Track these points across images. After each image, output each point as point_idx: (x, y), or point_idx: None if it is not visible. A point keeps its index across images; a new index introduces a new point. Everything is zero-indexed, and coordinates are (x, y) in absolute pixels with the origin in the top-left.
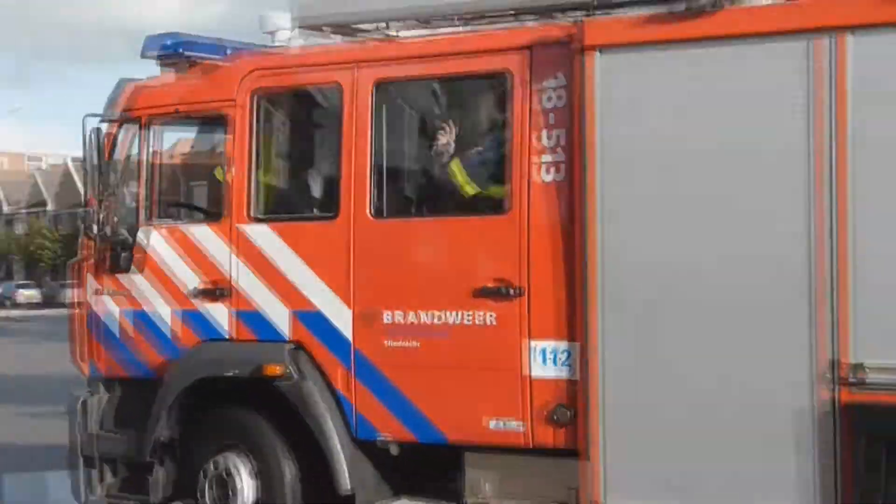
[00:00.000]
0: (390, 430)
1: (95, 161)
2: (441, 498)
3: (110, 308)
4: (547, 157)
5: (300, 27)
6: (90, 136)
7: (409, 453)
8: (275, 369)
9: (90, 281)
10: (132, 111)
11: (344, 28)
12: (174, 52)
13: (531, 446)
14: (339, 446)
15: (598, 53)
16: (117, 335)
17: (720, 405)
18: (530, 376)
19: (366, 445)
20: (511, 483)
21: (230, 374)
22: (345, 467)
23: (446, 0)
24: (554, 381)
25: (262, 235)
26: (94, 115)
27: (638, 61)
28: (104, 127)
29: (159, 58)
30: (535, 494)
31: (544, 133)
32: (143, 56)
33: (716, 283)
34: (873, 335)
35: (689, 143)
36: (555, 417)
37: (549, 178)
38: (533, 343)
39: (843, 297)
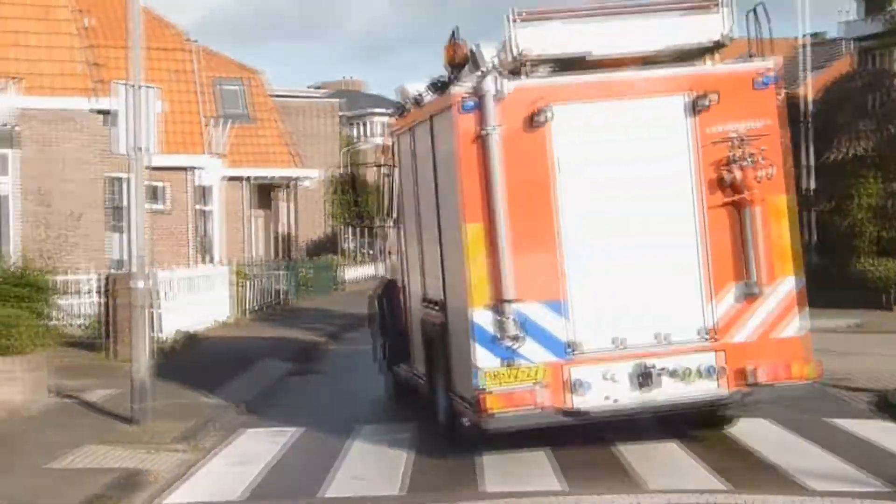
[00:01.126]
0: None
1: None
2: None
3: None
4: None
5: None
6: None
7: None
8: (377, 289)
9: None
10: (380, 157)
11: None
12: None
13: None
14: (378, 331)
15: (391, 135)
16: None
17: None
18: None
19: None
20: None
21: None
22: (378, 343)
23: None
24: None
25: (391, 228)
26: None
27: (399, 138)
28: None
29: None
30: None
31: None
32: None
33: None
34: (431, 284)
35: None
36: None
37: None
38: None
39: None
